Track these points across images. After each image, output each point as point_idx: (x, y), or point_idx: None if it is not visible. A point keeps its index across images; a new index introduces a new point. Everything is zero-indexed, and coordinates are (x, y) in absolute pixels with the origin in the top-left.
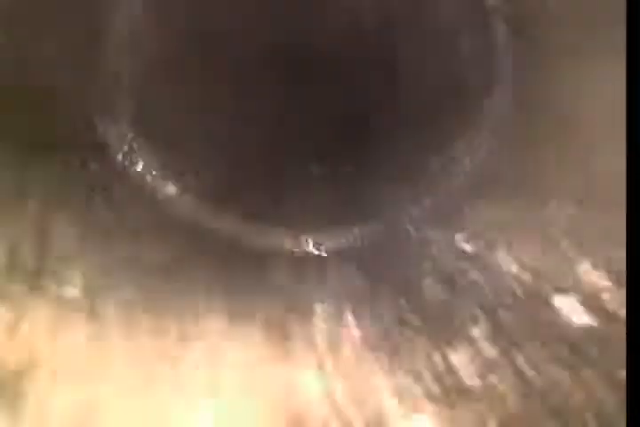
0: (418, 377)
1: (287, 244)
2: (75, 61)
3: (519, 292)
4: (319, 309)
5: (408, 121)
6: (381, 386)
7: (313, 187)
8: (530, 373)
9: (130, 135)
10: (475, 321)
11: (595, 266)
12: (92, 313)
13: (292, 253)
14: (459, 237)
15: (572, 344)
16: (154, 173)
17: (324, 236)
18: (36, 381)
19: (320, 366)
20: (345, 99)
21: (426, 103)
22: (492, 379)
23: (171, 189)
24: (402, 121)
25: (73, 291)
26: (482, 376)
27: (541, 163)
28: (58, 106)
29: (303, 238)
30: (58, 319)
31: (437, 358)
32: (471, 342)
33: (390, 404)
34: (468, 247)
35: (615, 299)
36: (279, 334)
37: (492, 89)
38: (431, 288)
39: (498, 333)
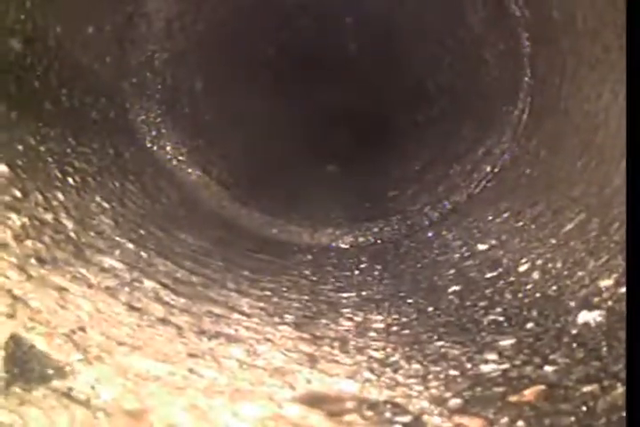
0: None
1: (306, 238)
2: (109, 44)
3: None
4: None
5: (430, 126)
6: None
7: (334, 185)
8: None
9: (158, 119)
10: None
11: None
12: (130, 285)
13: (312, 246)
14: (478, 240)
15: None
16: (181, 158)
17: (341, 231)
18: (82, 346)
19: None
20: (367, 101)
21: (449, 109)
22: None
23: (197, 174)
24: (424, 126)
25: (111, 261)
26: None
27: (561, 171)
28: (91, 89)
29: (321, 233)
30: (98, 288)
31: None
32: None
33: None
34: (485, 250)
35: None
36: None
37: (514, 97)
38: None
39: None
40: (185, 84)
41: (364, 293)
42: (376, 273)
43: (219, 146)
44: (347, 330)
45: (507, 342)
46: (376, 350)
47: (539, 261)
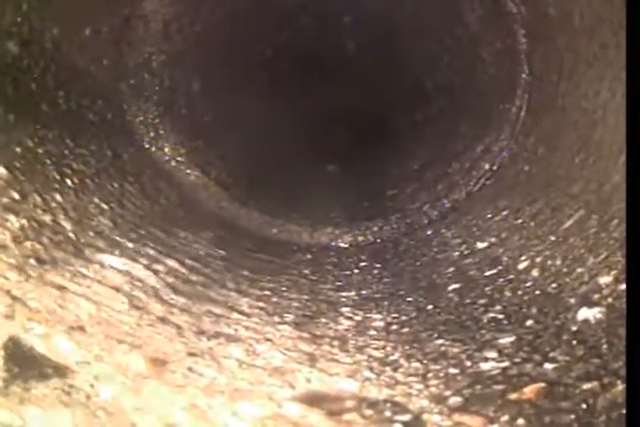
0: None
1: (305, 237)
2: (106, 46)
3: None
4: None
5: (429, 125)
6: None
7: (333, 184)
8: None
9: (156, 120)
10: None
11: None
12: (130, 284)
13: (311, 245)
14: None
15: None
16: (179, 159)
17: (340, 231)
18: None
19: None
20: (364, 100)
21: (447, 107)
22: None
23: (195, 175)
24: (422, 125)
25: (110, 259)
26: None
27: (560, 168)
28: (89, 90)
29: (321, 232)
30: (98, 287)
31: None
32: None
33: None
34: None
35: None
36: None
37: (512, 94)
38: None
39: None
40: (183, 85)
41: (363, 292)
42: (375, 272)
43: (217, 146)
44: (346, 329)
45: (506, 340)
46: (376, 348)
47: (538, 259)
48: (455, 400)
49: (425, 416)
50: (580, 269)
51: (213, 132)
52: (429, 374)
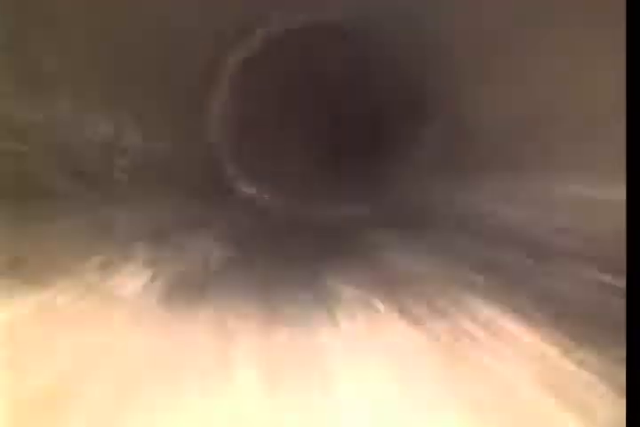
0: None
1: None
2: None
3: None
4: None
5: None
6: None
7: (370, 184)
8: None
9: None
10: None
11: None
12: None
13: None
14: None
15: None
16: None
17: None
18: None
19: None
20: (383, 110)
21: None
22: None
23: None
24: (424, 124)
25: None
26: None
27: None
28: None
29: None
30: None
31: None
32: None
33: None
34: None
35: None
36: None
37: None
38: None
39: None
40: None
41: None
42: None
43: (266, 162)
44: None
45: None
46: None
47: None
48: None
49: None
50: None
51: (265, 152)
52: None
